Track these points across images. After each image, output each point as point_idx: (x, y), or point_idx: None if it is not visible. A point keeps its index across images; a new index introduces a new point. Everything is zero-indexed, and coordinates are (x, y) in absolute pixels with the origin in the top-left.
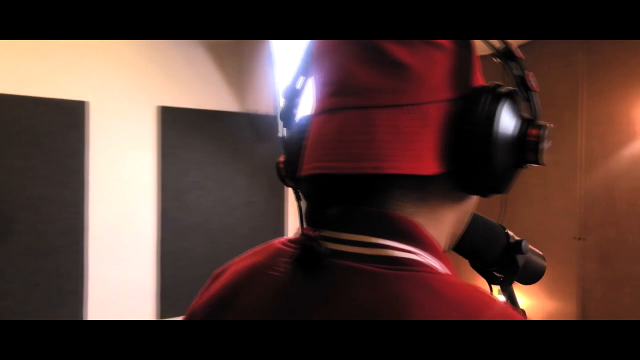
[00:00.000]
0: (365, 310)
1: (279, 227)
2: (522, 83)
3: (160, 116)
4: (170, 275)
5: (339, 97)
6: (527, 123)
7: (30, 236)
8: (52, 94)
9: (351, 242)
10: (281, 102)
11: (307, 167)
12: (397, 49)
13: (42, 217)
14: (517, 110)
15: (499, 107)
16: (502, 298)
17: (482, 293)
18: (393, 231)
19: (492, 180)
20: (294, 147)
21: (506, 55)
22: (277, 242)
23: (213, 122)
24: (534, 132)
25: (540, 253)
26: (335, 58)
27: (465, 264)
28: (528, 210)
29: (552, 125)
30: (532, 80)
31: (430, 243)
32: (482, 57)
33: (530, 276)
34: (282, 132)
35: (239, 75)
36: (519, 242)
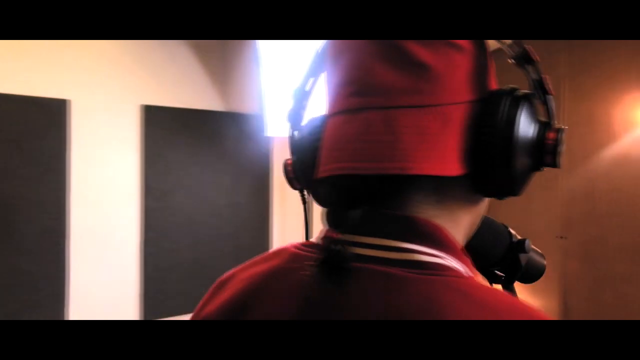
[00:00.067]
0: (402, 314)
1: (264, 228)
2: (540, 86)
3: (143, 115)
4: (153, 277)
5: (360, 97)
6: (544, 126)
7: (10, 237)
8: (32, 91)
9: (376, 246)
10: (290, 103)
11: (327, 168)
12: (419, 49)
13: (22, 218)
14: (534, 114)
15: (519, 110)
16: None
17: (510, 296)
18: (418, 235)
19: (510, 182)
20: (306, 149)
21: (524, 58)
22: (290, 246)
23: (198, 122)
24: (552, 135)
25: (540, 251)
26: (355, 57)
27: None
28: (511, 210)
29: (567, 127)
30: (550, 84)
31: (453, 246)
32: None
33: (532, 275)
34: (291, 133)
35: (224, 74)
36: (522, 241)
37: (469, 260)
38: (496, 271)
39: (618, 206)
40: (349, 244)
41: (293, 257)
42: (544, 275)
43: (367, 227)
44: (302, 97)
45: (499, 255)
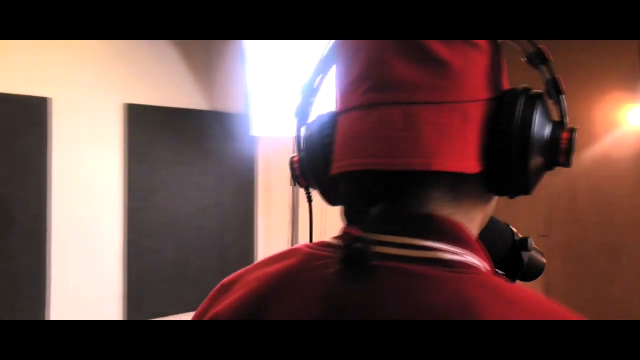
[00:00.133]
0: (434, 313)
1: (249, 228)
2: (555, 86)
3: (127, 114)
4: (137, 278)
5: (378, 93)
6: (558, 126)
7: None
8: (12, 89)
9: (398, 245)
10: (297, 99)
11: (345, 164)
12: (437, 46)
13: (2, 219)
14: (548, 113)
15: (535, 110)
16: None
17: (534, 293)
18: (438, 232)
19: (524, 181)
20: (315, 145)
21: (539, 58)
22: (303, 247)
23: (182, 121)
24: (565, 135)
25: (540, 250)
26: (372, 53)
27: None
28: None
29: (578, 127)
30: (563, 84)
31: (473, 244)
32: None
33: (533, 273)
34: (298, 129)
35: (209, 72)
36: (525, 240)
37: (485, 256)
38: (497, 269)
39: (598, 206)
40: (373, 243)
41: (309, 256)
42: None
43: (387, 226)
44: (310, 93)
45: (502, 254)
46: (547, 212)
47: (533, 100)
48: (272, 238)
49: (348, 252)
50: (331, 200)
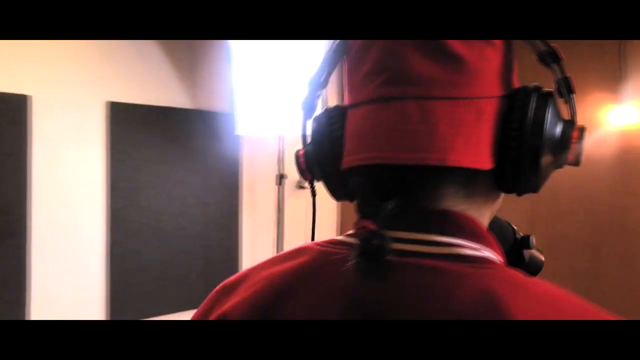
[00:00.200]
0: (461, 309)
1: (233, 227)
2: (566, 85)
3: (109, 112)
4: (120, 278)
5: (394, 86)
6: (568, 125)
7: None
8: None
9: (417, 241)
10: (304, 92)
11: (358, 157)
12: (455, 43)
13: None
14: (559, 112)
15: (547, 108)
16: None
17: (557, 288)
18: (456, 228)
19: (535, 179)
20: (323, 139)
21: (551, 56)
22: (312, 245)
23: (166, 119)
24: (576, 134)
25: (539, 248)
26: (388, 47)
27: None
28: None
29: (587, 127)
30: (573, 83)
31: (488, 238)
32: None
33: (532, 271)
34: (304, 122)
35: (193, 70)
36: (527, 238)
37: (499, 249)
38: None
39: (579, 204)
40: (389, 238)
41: (322, 254)
42: None
43: (403, 222)
44: (317, 86)
45: (505, 251)
46: (530, 210)
47: (545, 98)
48: (256, 237)
49: (366, 247)
50: (338, 194)
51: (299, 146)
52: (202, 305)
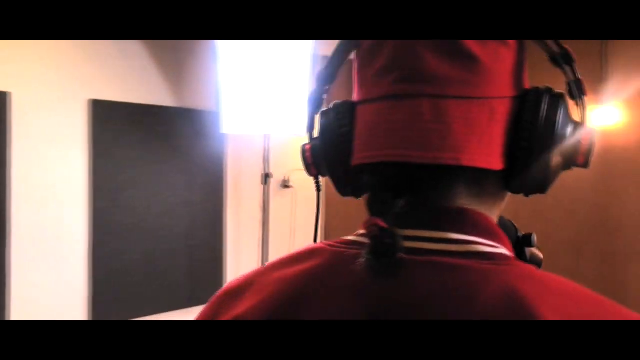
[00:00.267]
0: (486, 308)
1: (217, 227)
2: (578, 87)
3: (92, 110)
4: (103, 279)
5: (408, 84)
6: (579, 127)
7: None
8: None
9: (433, 239)
10: (312, 86)
11: (371, 154)
12: (470, 42)
13: None
14: (569, 114)
15: (559, 110)
16: None
17: (575, 283)
18: (472, 226)
19: (544, 180)
20: (332, 134)
21: (564, 58)
22: (323, 245)
23: (149, 118)
24: (586, 136)
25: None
26: (402, 44)
27: None
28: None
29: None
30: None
31: (502, 236)
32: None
33: None
34: (311, 116)
35: (178, 68)
36: (529, 236)
37: (510, 246)
38: None
39: (561, 203)
40: (403, 239)
41: (336, 255)
42: None
43: (416, 220)
44: (325, 81)
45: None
46: (515, 209)
47: (557, 100)
48: (241, 237)
49: (377, 245)
50: (344, 190)
51: (285, 145)
52: (205, 310)
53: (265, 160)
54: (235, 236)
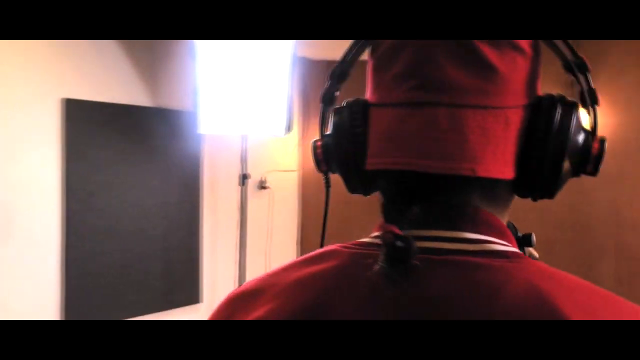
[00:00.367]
0: (511, 305)
1: (193, 228)
2: (591, 95)
3: (65, 110)
4: (77, 284)
5: (425, 92)
6: (590, 135)
7: None
8: None
9: (451, 239)
10: (326, 83)
11: (387, 161)
12: (488, 51)
13: None
14: (581, 122)
15: (572, 119)
16: None
17: (576, 276)
18: (487, 226)
19: (553, 187)
20: (344, 133)
21: (579, 67)
22: (337, 247)
23: (124, 117)
24: (596, 145)
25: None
26: (421, 51)
27: None
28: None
29: (607, 138)
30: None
31: (511, 236)
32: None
33: None
34: (323, 113)
35: (154, 67)
36: (529, 236)
37: (517, 246)
38: None
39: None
40: (419, 239)
41: (355, 256)
42: None
43: (432, 220)
44: (339, 79)
45: None
46: None
47: (570, 109)
48: (217, 238)
49: (392, 251)
50: (354, 188)
51: (262, 145)
52: (217, 313)
53: (243, 161)
54: (211, 238)
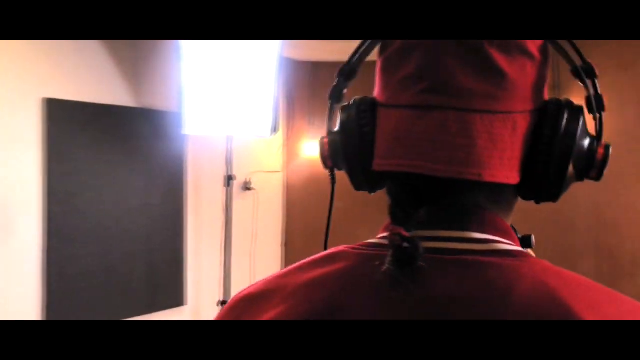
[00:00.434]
0: (523, 305)
1: (177, 230)
2: (598, 101)
3: (46, 110)
4: (58, 287)
5: (435, 95)
6: (595, 141)
7: None
8: None
9: (458, 239)
10: (335, 80)
11: (395, 163)
12: (499, 57)
13: None
14: (587, 127)
15: (579, 124)
16: None
17: (580, 275)
18: (493, 227)
19: (557, 191)
20: (352, 132)
21: (587, 72)
22: (345, 248)
23: (107, 118)
24: (601, 150)
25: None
26: (431, 54)
27: None
28: None
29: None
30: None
31: (515, 237)
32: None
33: None
34: (331, 110)
35: (137, 67)
36: (528, 237)
37: (519, 246)
38: None
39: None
40: (427, 239)
41: (364, 257)
42: None
43: (439, 221)
44: (347, 77)
45: None
46: None
47: (577, 114)
48: (202, 239)
49: (398, 254)
50: (359, 185)
51: (247, 146)
52: (221, 317)
53: (228, 162)
54: (195, 239)
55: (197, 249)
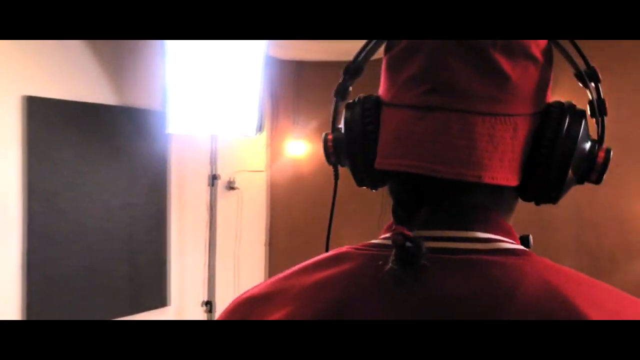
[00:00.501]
0: (528, 303)
1: (160, 230)
2: (601, 106)
3: (26, 107)
4: (39, 289)
5: (437, 96)
6: (596, 144)
7: None
8: None
9: (462, 239)
10: (341, 78)
11: (397, 162)
12: (502, 59)
13: None
14: (588, 131)
15: (581, 128)
16: None
17: (580, 273)
18: (495, 226)
19: (557, 194)
20: (357, 129)
21: (590, 76)
22: (348, 249)
23: (89, 116)
24: (602, 154)
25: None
26: (435, 55)
27: None
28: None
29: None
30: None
31: (516, 236)
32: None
33: None
34: (336, 106)
35: (120, 65)
36: (526, 237)
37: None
38: None
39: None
40: (430, 239)
41: (369, 258)
42: None
43: (442, 220)
44: (352, 74)
45: None
46: None
47: (579, 118)
48: (186, 240)
49: (401, 253)
50: (361, 182)
51: (231, 146)
52: (224, 318)
53: (213, 162)
54: (179, 239)
55: (180, 248)
